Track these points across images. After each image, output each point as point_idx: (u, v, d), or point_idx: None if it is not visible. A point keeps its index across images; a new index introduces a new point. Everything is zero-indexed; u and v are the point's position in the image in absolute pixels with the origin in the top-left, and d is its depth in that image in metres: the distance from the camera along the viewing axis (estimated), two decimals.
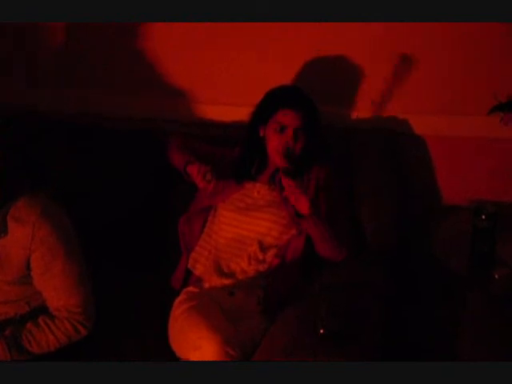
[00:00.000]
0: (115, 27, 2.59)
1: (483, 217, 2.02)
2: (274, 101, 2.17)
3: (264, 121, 2.16)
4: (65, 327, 1.86)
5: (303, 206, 1.98)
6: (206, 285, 2.13)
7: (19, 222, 1.83)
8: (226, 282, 2.09)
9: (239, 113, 2.38)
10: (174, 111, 2.62)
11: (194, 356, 1.81)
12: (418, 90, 2.38)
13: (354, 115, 2.46)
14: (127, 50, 2.65)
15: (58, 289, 1.88)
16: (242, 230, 2.14)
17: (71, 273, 1.89)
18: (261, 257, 2.10)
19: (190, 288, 2.14)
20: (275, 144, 2.12)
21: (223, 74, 2.57)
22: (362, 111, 2.45)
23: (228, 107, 2.56)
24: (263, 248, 2.12)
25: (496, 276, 1.91)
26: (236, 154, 2.28)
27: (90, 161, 2.44)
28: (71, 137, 2.49)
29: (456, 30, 2.26)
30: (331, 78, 2.47)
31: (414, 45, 2.35)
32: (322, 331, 1.73)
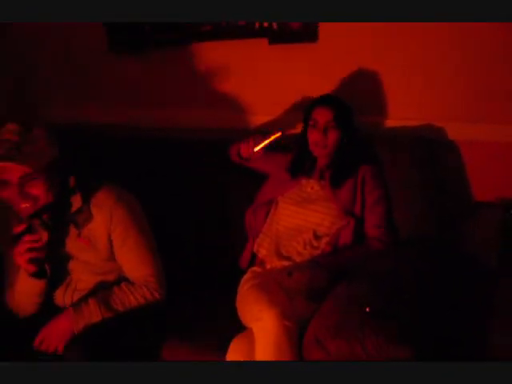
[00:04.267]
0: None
1: None
2: (311, 103, 2.10)
3: (307, 122, 2.09)
4: (142, 291, 1.84)
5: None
6: (268, 266, 2.06)
7: (99, 207, 1.82)
8: (285, 263, 2.01)
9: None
10: (240, 121, 2.50)
11: (256, 326, 1.73)
12: (455, 98, 2.21)
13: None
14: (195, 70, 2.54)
15: (133, 261, 1.87)
16: (299, 220, 2.06)
17: (143, 247, 1.88)
18: (315, 244, 2.01)
19: (255, 268, 2.09)
20: (311, 138, 2.06)
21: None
22: (400, 120, 2.28)
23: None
24: (317, 236, 2.02)
25: None
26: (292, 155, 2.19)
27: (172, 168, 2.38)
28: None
29: (493, 39, 2.08)
30: (369, 89, 2.31)
31: (451, 55, 2.17)
32: (367, 309, 1.62)
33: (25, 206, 1.69)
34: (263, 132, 2.17)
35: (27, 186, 1.67)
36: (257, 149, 2.07)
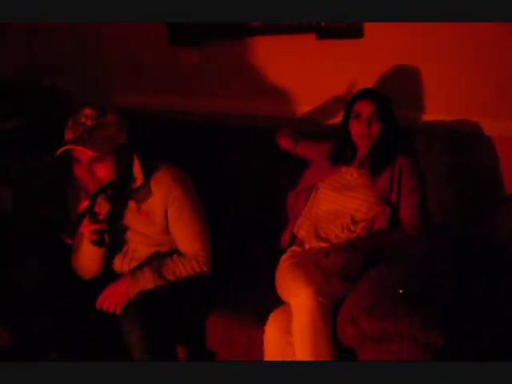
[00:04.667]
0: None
1: None
2: (354, 97, 2.15)
3: (349, 114, 2.13)
4: (192, 263, 1.92)
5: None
6: (307, 246, 2.12)
7: (159, 184, 1.91)
8: (323, 244, 2.07)
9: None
10: (287, 111, 2.58)
11: (293, 301, 1.80)
12: (490, 95, 2.22)
13: None
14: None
15: (186, 236, 1.95)
16: (337, 205, 2.11)
17: (196, 224, 1.95)
18: (352, 228, 2.06)
19: (294, 248, 2.14)
20: (354, 129, 2.10)
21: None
22: (437, 114, 2.31)
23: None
24: (354, 221, 2.07)
25: None
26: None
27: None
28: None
29: None
30: (408, 85, 2.34)
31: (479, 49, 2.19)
32: (401, 291, 1.66)
33: (91, 184, 1.81)
34: (305, 121, 2.27)
35: (95, 166, 1.78)
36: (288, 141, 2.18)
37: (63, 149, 1.74)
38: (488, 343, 1.75)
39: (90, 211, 1.77)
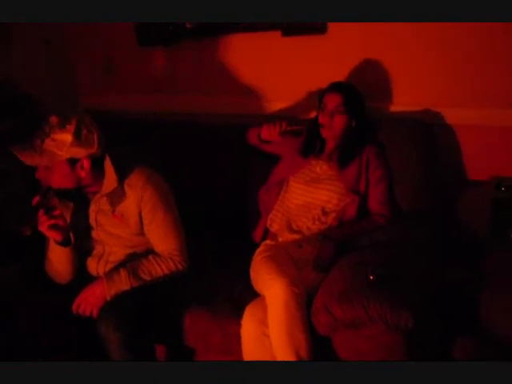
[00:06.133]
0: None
1: (503, 189, 1.94)
2: (324, 90, 2.17)
3: (319, 107, 2.16)
4: (167, 263, 1.93)
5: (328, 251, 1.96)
6: (280, 239, 2.14)
7: (132, 187, 1.91)
8: (295, 237, 2.09)
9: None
10: (256, 107, 2.60)
11: (268, 293, 1.82)
12: (450, 84, 2.28)
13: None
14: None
15: (160, 236, 1.95)
16: (308, 198, 2.14)
17: (170, 223, 1.95)
18: (323, 219, 2.10)
19: (268, 241, 2.15)
20: (319, 120, 2.13)
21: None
22: (402, 105, 2.36)
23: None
24: (325, 212, 2.10)
25: None
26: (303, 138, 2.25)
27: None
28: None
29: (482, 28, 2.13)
30: (374, 77, 2.38)
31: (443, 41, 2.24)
32: (371, 277, 1.70)
33: (44, 182, 1.83)
34: (275, 117, 2.26)
35: (44, 171, 1.81)
36: (280, 134, 2.12)
37: (15, 153, 1.75)
38: (456, 322, 1.78)
39: (44, 206, 1.79)
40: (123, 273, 1.87)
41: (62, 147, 1.77)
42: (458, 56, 2.24)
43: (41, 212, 1.80)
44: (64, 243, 1.89)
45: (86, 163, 1.83)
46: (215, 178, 2.43)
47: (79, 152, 1.80)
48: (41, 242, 1.94)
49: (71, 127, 1.78)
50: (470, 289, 1.85)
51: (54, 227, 1.83)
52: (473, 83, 2.25)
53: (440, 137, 2.31)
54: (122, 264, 1.94)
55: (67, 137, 1.77)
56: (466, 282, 1.88)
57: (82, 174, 1.84)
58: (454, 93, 2.28)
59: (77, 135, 1.78)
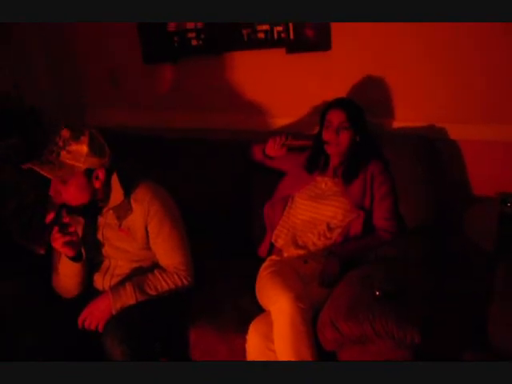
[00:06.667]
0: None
1: (508, 204, 1.95)
2: (327, 106, 2.18)
3: (322, 123, 2.17)
4: (173, 278, 1.93)
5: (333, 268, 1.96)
6: (285, 254, 2.14)
7: (138, 202, 1.92)
8: (301, 252, 2.09)
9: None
10: (261, 124, 2.62)
11: (273, 308, 1.81)
12: (453, 100, 2.30)
13: None
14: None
15: (166, 250, 1.95)
16: (313, 214, 2.14)
17: (176, 238, 1.95)
18: (328, 235, 2.10)
19: (273, 257, 2.15)
20: (324, 137, 2.14)
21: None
22: (406, 121, 2.37)
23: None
24: (330, 228, 2.11)
25: None
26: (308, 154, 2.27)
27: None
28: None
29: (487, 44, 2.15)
30: (377, 93, 2.40)
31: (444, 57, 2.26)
32: (377, 293, 1.69)
33: (58, 198, 1.82)
34: (279, 133, 2.28)
35: (60, 186, 1.81)
36: (284, 146, 2.14)
37: (26, 167, 1.75)
38: (464, 337, 1.77)
39: (59, 223, 1.79)
40: (129, 287, 1.87)
41: (79, 158, 1.79)
42: (462, 72, 2.26)
43: (55, 229, 1.79)
44: (76, 258, 1.89)
45: (101, 173, 1.85)
46: (219, 193, 2.43)
47: (95, 162, 1.82)
48: (47, 256, 1.93)
49: (85, 138, 1.79)
50: (477, 304, 1.84)
51: (68, 243, 1.83)
52: (477, 99, 2.26)
53: (444, 152, 2.33)
54: (127, 278, 1.94)
55: (83, 148, 1.79)
56: (473, 297, 1.87)
57: (98, 184, 1.85)
58: (457, 108, 2.30)
59: (91, 146, 1.80)
